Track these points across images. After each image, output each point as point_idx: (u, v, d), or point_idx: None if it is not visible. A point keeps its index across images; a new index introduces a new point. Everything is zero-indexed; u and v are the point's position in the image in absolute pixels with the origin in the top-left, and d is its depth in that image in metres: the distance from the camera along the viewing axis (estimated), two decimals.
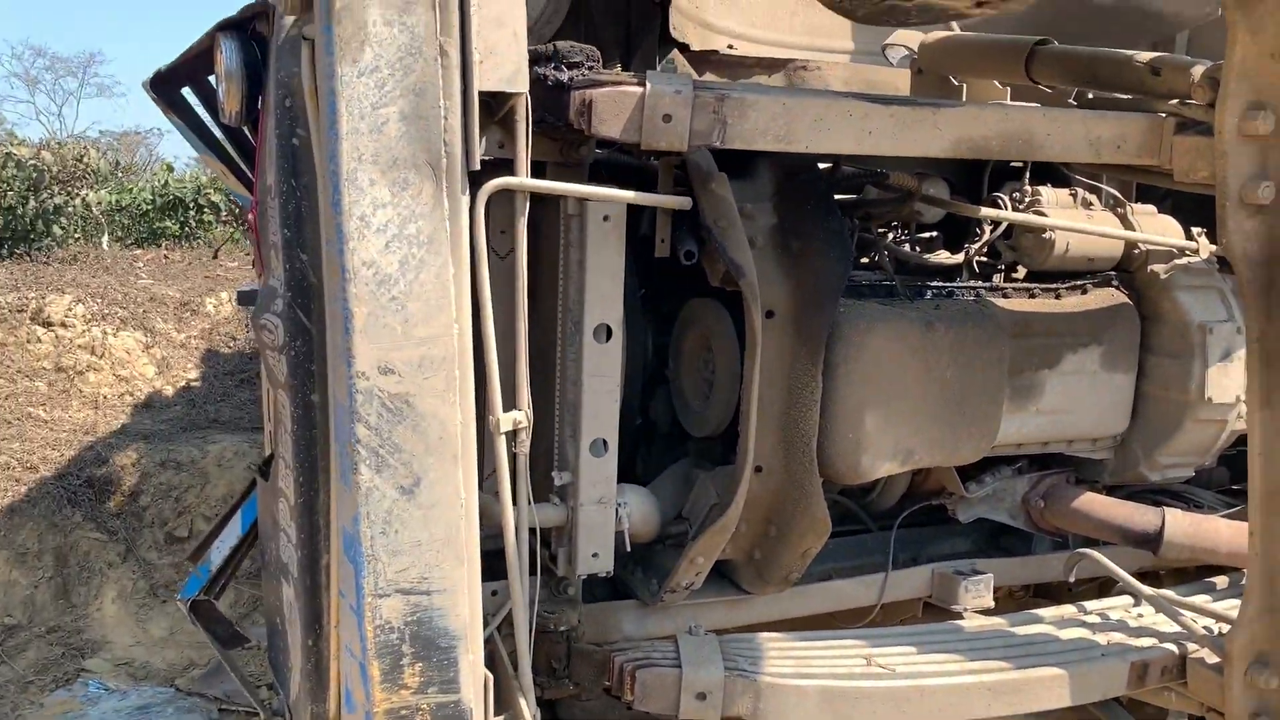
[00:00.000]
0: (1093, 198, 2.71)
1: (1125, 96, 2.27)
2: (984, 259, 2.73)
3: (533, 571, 2.04)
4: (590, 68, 1.97)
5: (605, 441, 2.16)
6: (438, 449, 1.64)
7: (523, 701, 1.86)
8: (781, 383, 2.18)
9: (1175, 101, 2.10)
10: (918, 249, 2.80)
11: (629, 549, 2.23)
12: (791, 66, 3.06)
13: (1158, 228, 2.69)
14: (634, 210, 2.12)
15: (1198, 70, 2.03)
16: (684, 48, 2.88)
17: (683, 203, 2.04)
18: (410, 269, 1.59)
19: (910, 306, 2.36)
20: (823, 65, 3.09)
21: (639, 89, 1.92)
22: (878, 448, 2.29)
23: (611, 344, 2.13)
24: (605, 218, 2.07)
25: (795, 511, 2.23)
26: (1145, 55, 2.19)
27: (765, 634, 2.31)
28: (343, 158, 1.53)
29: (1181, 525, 2.59)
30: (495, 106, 1.78)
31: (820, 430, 2.21)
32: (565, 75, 1.94)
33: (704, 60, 2.94)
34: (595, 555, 2.19)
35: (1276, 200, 1.91)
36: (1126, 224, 2.65)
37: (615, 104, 1.92)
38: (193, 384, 5.87)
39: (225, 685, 4.18)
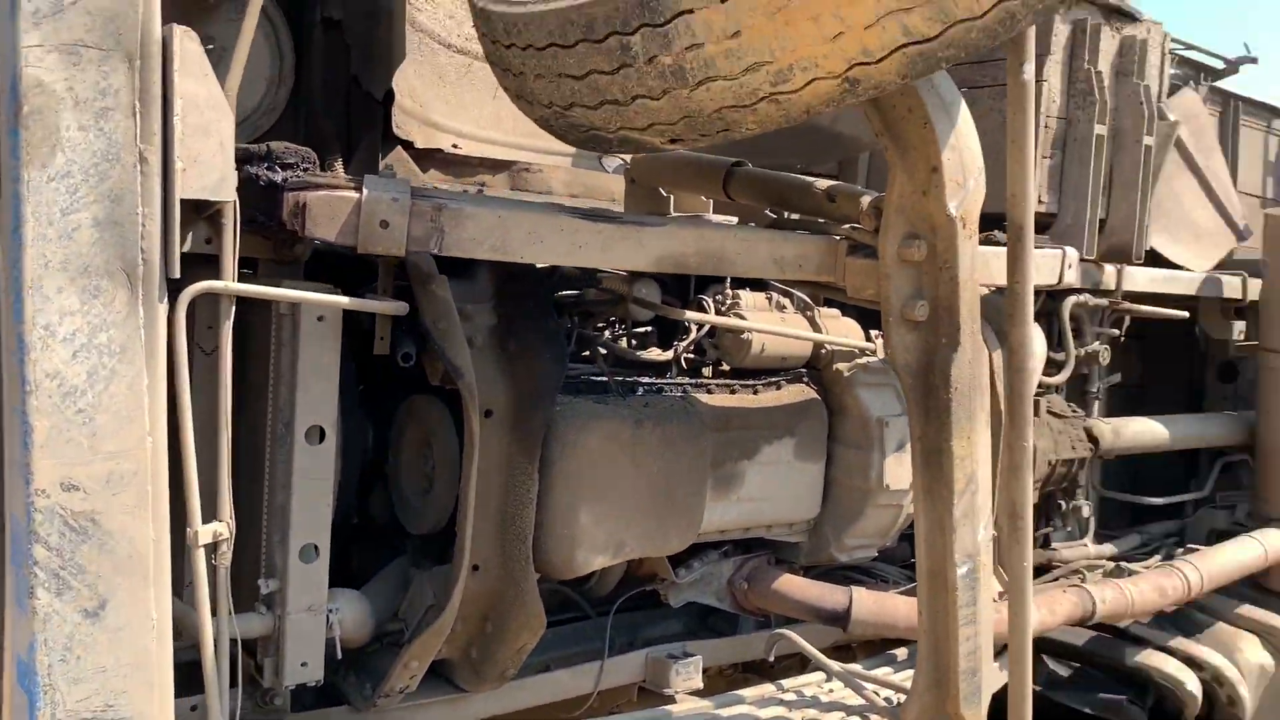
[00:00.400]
0: (786, 301, 2.97)
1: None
2: (691, 356, 2.91)
3: (235, 683, 1.96)
4: (305, 169, 1.97)
5: (316, 547, 2.12)
6: (127, 568, 1.56)
7: None
8: (499, 481, 2.22)
9: (849, 226, 2.36)
10: (633, 344, 2.95)
11: (340, 656, 2.18)
12: (515, 168, 3.17)
13: (841, 330, 2.97)
14: None
15: (865, 200, 2.30)
16: (408, 145, 2.92)
17: (399, 308, 2.07)
18: (100, 380, 1.52)
19: (622, 404, 2.48)
20: (544, 168, 3.22)
21: (355, 194, 1.94)
22: (591, 542, 2.38)
23: (324, 446, 2.10)
24: (320, 318, 2.06)
25: (512, 609, 2.27)
26: (823, 183, 2.45)
27: None
28: (27, 264, 1.45)
29: (866, 603, 2.84)
30: (202, 206, 1.75)
31: (536, 526, 2.27)
32: (279, 176, 1.94)
33: (428, 158, 2.99)
34: (304, 664, 2.12)
35: (931, 317, 2.18)
36: (814, 326, 2.92)
37: (330, 208, 1.92)
38: None
39: None
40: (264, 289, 1.88)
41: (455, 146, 3.04)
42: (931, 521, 2.27)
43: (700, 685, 2.78)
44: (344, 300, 1.98)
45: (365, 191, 1.94)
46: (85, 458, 1.51)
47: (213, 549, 1.79)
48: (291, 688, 2.13)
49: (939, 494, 2.25)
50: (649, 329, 3.01)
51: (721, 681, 3.09)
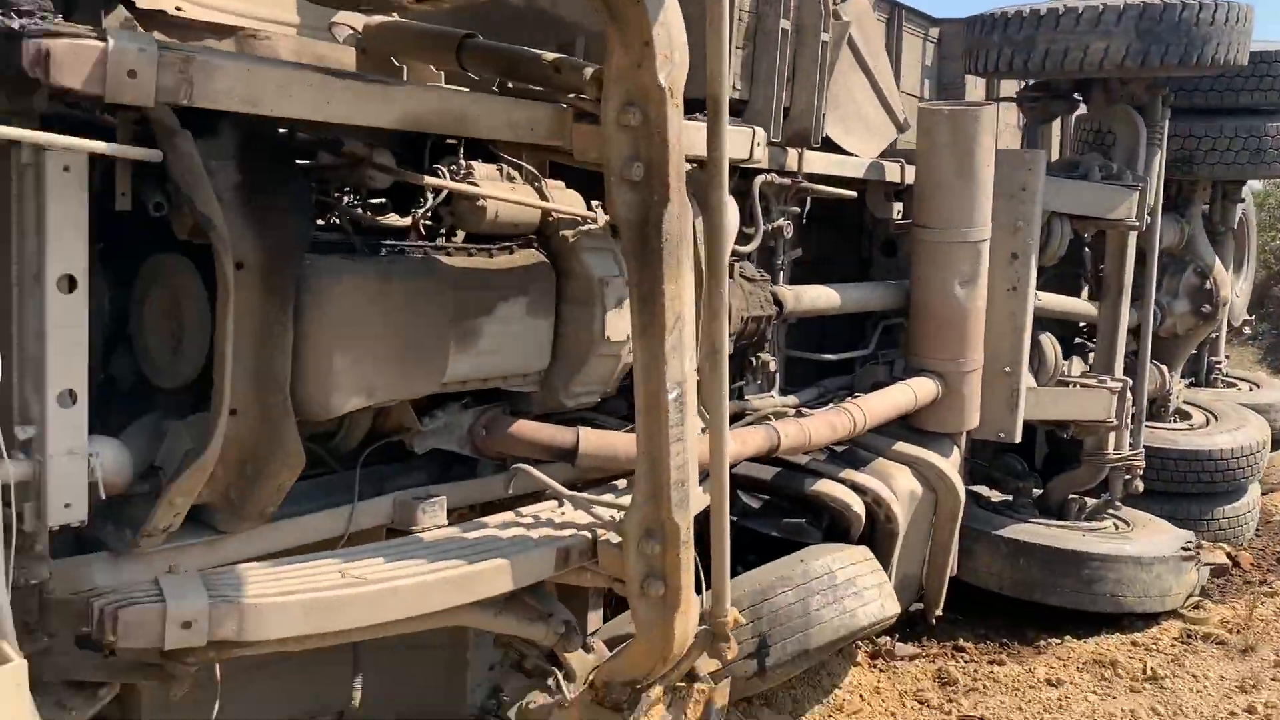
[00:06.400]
0: (515, 173, 3.21)
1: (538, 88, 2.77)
2: (429, 223, 3.11)
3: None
4: (43, 17, 1.98)
5: (73, 392, 2.18)
6: None
7: (5, 645, 1.86)
8: (253, 330, 2.35)
9: (574, 95, 2.63)
10: (368, 213, 3.10)
11: (104, 497, 2.27)
12: (241, 34, 3.18)
13: (566, 200, 3.26)
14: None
15: (588, 71, 2.57)
16: (130, 5, 2.87)
17: (153, 155, 2.13)
18: None
19: (368, 261, 2.66)
20: (272, 35, 3.24)
21: (100, 43, 1.98)
22: (344, 386, 2.57)
23: (76, 295, 2.15)
24: (66, 168, 2.09)
25: (271, 449, 2.43)
26: (550, 55, 2.69)
27: (245, 564, 2.48)
28: None
29: (591, 440, 3.21)
30: None
31: (292, 372, 2.43)
32: (16, 23, 1.94)
33: (150, 19, 2.95)
34: (68, 505, 2.20)
35: (645, 177, 2.50)
36: (542, 196, 3.19)
37: (76, 56, 1.96)
38: None
39: None
40: (19, 131, 1.90)
41: (179, 9, 3.01)
42: (647, 355, 2.64)
43: (445, 523, 3.05)
44: (100, 145, 2.03)
45: (111, 41, 1.99)
46: None
47: None
48: (55, 528, 2.20)
49: (653, 331, 2.61)
50: (383, 200, 3.16)
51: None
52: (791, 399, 4.61)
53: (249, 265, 2.33)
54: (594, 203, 3.32)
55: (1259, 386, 8.79)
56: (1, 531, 1.93)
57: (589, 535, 2.92)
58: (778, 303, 4.27)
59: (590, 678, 3.19)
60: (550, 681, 3.24)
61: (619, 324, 3.21)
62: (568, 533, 2.93)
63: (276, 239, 2.36)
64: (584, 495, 3.07)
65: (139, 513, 2.43)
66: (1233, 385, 8.62)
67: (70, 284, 2.14)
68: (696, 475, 2.86)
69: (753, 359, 4.43)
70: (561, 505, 3.09)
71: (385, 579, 2.53)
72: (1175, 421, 7.28)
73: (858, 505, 4.30)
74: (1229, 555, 6.43)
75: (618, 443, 3.26)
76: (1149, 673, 4.78)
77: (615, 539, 2.90)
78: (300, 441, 2.46)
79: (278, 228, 2.36)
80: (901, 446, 4.73)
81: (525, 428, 3.19)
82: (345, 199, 3.03)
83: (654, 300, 2.58)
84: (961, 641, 5.09)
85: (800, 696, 4.31)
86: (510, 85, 3.00)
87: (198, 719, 2.75)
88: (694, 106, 2.77)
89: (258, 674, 3.13)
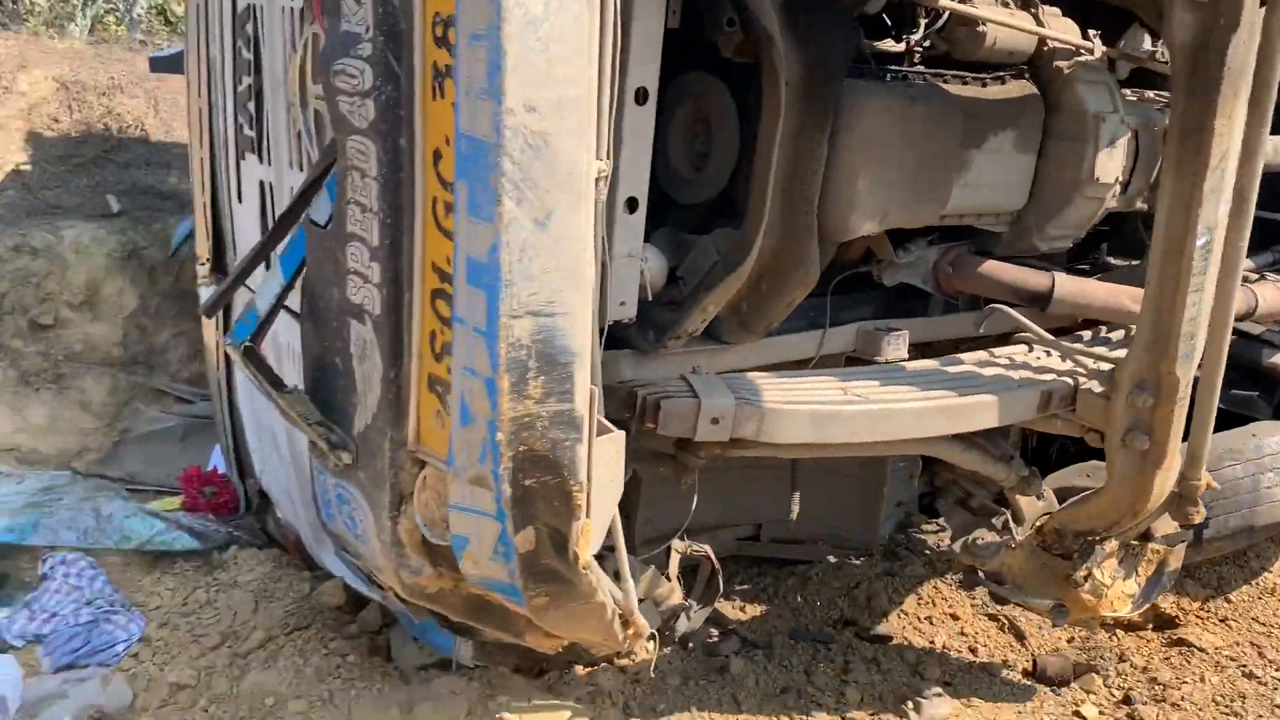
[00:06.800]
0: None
1: None
2: (920, 49, 3.03)
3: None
4: None
5: (636, 200, 2.35)
6: (567, 185, 1.80)
7: (602, 419, 2.10)
8: (791, 150, 2.42)
9: None
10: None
11: (650, 298, 2.47)
12: None
13: (1061, 28, 3.06)
14: None
15: None
16: None
17: None
18: (553, 11, 1.70)
19: (894, 85, 2.64)
20: None
21: None
22: (864, 208, 2.61)
23: (647, 107, 2.29)
24: None
25: (791, 266, 2.53)
26: None
27: (757, 373, 2.63)
28: None
29: (1067, 285, 3.10)
30: None
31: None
32: None
33: None
34: (623, 303, 2.41)
35: (1213, 1, 2.29)
36: (1039, 23, 3.01)
37: None
38: (22, 168, 5.38)
39: (127, 466, 4.13)
40: None
41: None
42: (1178, 195, 2.48)
43: (906, 356, 3.08)
44: None
45: None
46: (541, 82, 1.72)
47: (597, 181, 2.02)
48: (611, 323, 2.42)
49: (1192, 169, 2.44)
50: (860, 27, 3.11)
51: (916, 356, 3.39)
52: (1248, 261, 4.20)
53: (792, 85, 2.38)
54: (1091, 32, 3.11)
55: None
56: (594, 323, 2.13)
57: (1070, 382, 2.86)
58: None
59: (1039, 523, 3.18)
60: (997, 521, 3.27)
61: (1109, 165, 3.02)
62: (1048, 377, 2.87)
63: (819, 59, 2.39)
64: (1066, 343, 2.99)
65: (660, 317, 2.63)
66: None
67: (643, 96, 2.27)
68: (1205, 327, 2.70)
69: None
70: (1032, 350, 3.03)
71: (883, 400, 2.60)
72: None
73: None
74: None
75: (1095, 290, 3.12)
76: None
77: (1098, 388, 2.82)
78: (818, 261, 2.53)
79: (821, 48, 2.38)
80: None
81: (996, 268, 3.12)
82: None
83: (1200, 135, 2.40)
84: None
85: (1226, 575, 4.09)
86: None
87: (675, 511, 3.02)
88: None
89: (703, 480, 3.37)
